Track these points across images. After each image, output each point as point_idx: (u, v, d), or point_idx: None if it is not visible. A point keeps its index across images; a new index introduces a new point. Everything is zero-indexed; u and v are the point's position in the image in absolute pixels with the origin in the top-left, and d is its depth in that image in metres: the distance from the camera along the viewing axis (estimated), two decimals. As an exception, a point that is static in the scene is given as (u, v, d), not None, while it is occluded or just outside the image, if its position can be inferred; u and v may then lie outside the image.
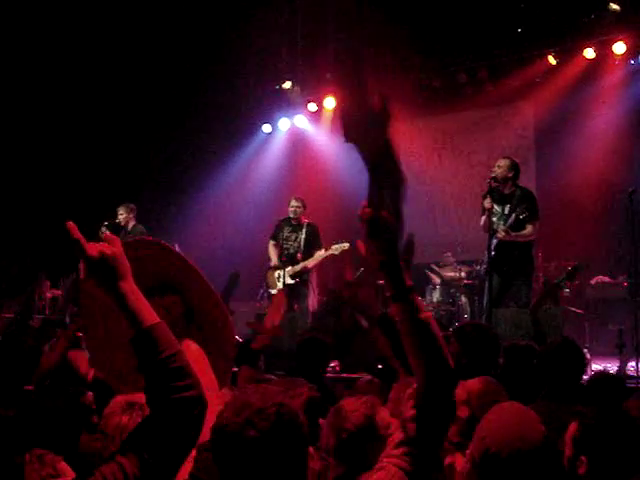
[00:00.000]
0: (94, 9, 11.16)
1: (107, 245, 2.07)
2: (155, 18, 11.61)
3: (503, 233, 8.21)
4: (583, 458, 2.74)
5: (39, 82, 11.33)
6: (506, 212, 8.48)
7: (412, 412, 2.20)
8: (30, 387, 4.41)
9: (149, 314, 2.04)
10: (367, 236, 2.15)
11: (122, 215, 10.21)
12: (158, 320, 2.05)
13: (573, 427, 2.86)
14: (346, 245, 9.64)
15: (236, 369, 5.64)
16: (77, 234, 2.02)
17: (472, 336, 4.47)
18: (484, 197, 8.31)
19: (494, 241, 8.34)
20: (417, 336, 2.18)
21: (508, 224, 8.28)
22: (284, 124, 13.78)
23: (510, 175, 8.53)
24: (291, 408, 2.06)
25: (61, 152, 11.71)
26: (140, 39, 11.67)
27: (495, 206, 8.49)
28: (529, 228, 8.32)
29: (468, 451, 2.63)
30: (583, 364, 4.08)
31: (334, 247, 9.74)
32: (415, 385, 2.22)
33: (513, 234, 8.22)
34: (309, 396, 3.50)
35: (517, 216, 8.21)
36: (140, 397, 2.46)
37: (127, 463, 1.92)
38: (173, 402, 1.97)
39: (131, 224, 10.27)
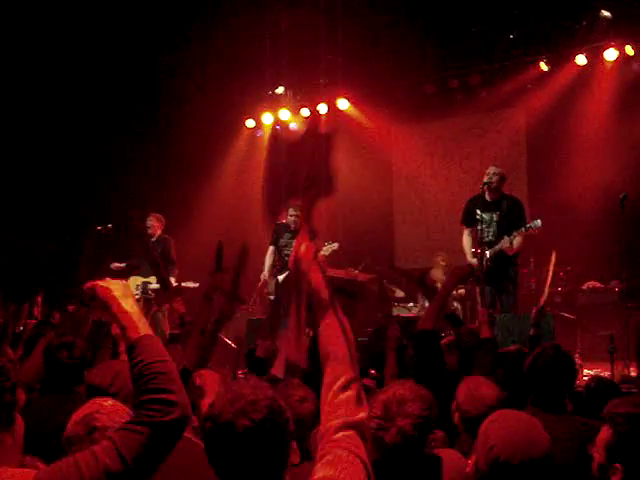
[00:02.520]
0: (83, 13, 11.14)
1: (98, 284, 2.42)
2: (143, 23, 11.61)
3: (512, 249, 8.44)
4: (618, 465, 2.65)
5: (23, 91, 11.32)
6: (495, 219, 8.66)
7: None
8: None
9: (135, 329, 2.29)
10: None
11: (151, 223, 10.57)
12: (146, 334, 2.28)
13: (605, 432, 2.76)
14: (335, 245, 9.75)
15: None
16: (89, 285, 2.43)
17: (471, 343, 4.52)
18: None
19: (489, 252, 8.53)
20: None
21: (510, 240, 8.47)
22: (267, 119, 13.74)
23: (501, 184, 8.76)
24: (281, 403, 2.15)
25: (47, 161, 11.64)
26: (125, 45, 11.67)
27: (480, 212, 8.68)
28: (519, 238, 8.54)
29: (471, 461, 2.61)
30: (574, 373, 4.08)
31: (324, 248, 9.80)
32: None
33: (515, 248, 8.49)
34: (302, 396, 3.58)
35: (523, 231, 8.43)
36: None
37: (102, 453, 2.02)
38: (153, 424, 2.08)
39: (158, 234, 10.58)
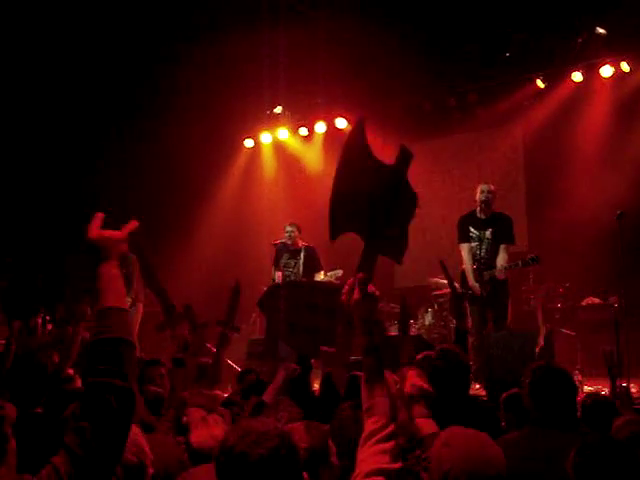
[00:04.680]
0: (84, 29, 11.18)
1: (110, 232, 2.42)
2: (142, 42, 11.64)
3: (503, 275, 8.49)
4: None
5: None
6: (488, 236, 8.76)
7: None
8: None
9: (112, 298, 2.26)
10: (359, 298, 2.54)
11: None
12: (120, 306, 2.27)
13: (571, 455, 2.82)
14: (339, 272, 9.72)
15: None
16: (98, 219, 2.43)
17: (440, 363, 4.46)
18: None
19: (485, 274, 8.63)
20: (376, 381, 2.48)
21: (511, 266, 8.60)
22: (266, 138, 13.81)
23: (493, 202, 8.89)
24: (289, 434, 2.22)
25: (42, 178, 11.65)
26: (124, 63, 11.71)
27: (474, 230, 8.78)
28: (505, 255, 8.65)
29: None
30: (573, 389, 4.06)
31: (329, 274, 9.83)
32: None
33: (507, 268, 8.56)
34: (289, 419, 3.66)
35: (524, 263, 8.50)
36: None
37: (60, 463, 2.02)
38: (99, 386, 2.08)
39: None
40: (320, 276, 9.98)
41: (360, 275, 2.59)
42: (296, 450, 2.18)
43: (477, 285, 8.75)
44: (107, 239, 2.40)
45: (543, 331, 8.93)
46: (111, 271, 2.34)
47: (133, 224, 2.50)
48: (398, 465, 2.28)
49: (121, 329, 2.20)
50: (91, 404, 2.08)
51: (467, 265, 9.02)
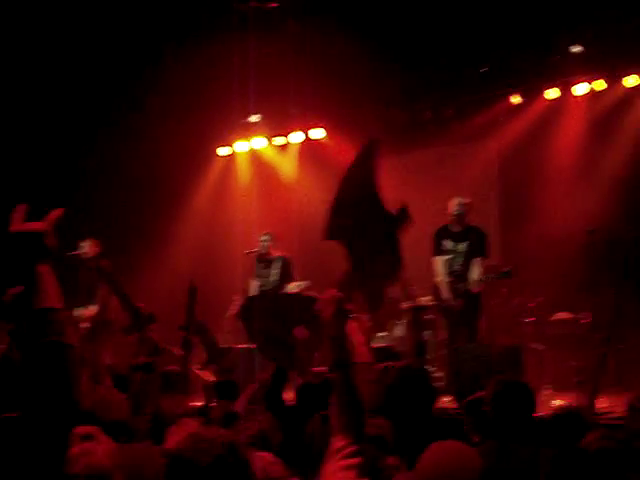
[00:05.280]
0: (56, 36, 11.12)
1: (32, 223, 2.20)
2: (114, 51, 11.60)
3: (478, 288, 8.60)
4: None
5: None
6: (462, 250, 8.83)
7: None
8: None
9: (45, 298, 2.13)
10: (331, 315, 2.54)
11: (85, 249, 10.17)
12: (54, 306, 2.13)
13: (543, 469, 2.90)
14: (304, 284, 9.71)
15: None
16: (20, 211, 2.20)
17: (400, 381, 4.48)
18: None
19: (459, 286, 8.68)
20: (345, 399, 2.49)
21: (485, 279, 8.61)
22: (241, 147, 13.79)
23: (467, 215, 8.96)
24: (239, 443, 2.24)
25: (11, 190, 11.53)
26: (95, 74, 11.66)
27: (448, 243, 8.86)
28: (480, 268, 8.72)
29: None
30: (531, 403, 4.09)
31: (296, 285, 9.82)
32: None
33: (481, 281, 8.66)
34: (260, 429, 3.67)
35: (498, 276, 8.57)
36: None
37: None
38: (44, 344, 2.06)
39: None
40: (292, 286, 9.97)
41: (337, 293, 2.60)
42: (244, 460, 2.20)
43: (451, 298, 8.80)
44: (29, 232, 2.19)
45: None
46: (40, 268, 2.17)
47: (57, 212, 2.28)
48: None
49: (58, 331, 2.12)
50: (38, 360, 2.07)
51: (440, 278, 9.06)
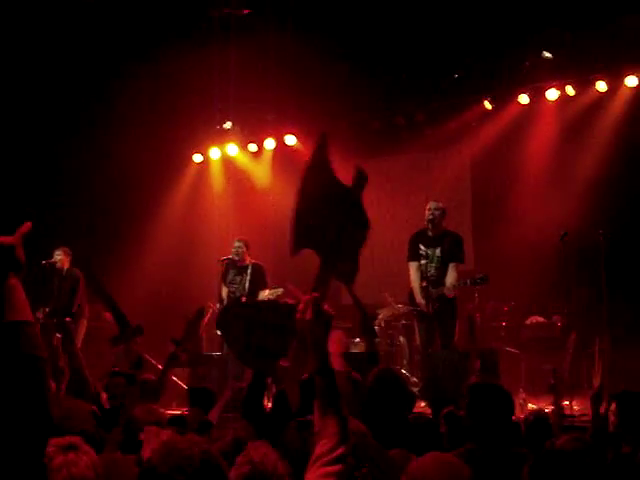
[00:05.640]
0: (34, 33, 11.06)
1: (1, 238, 2.14)
2: (91, 52, 11.55)
3: (452, 293, 8.61)
4: None
5: None
6: (437, 254, 8.86)
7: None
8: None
9: (16, 310, 2.09)
10: (312, 318, 2.52)
11: (59, 257, 10.11)
12: (26, 319, 2.10)
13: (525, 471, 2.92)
14: (280, 291, 9.67)
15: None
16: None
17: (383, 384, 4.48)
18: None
19: (434, 292, 8.70)
20: (328, 405, 2.45)
21: (460, 284, 8.67)
22: (215, 153, 13.74)
23: (442, 219, 8.96)
24: (214, 455, 2.24)
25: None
26: (71, 75, 11.61)
27: (424, 248, 8.87)
28: (455, 273, 8.76)
29: None
30: (509, 407, 4.11)
31: (270, 292, 9.78)
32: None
33: (456, 287, 8.68)
34: (234, 437, 3.64)
35: (472, 282, 8.62)
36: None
37: None
38: (16, 358, 2.02)
39: (66, 267, 10.17)
40: (265, 294, 9.95)
41: (313, 295, 2.58)
42: (220, 473, 2.21)
43: (424, 302, 8.82)
44: (9, 249, 2.15)
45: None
46: (9, 281, 2.13)
47: (26, 227, 2.24)
48: None
49: (30, 344, 2.08)
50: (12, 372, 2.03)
51: (415, 283, 9.08)
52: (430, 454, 2.76)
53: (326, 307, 2.58)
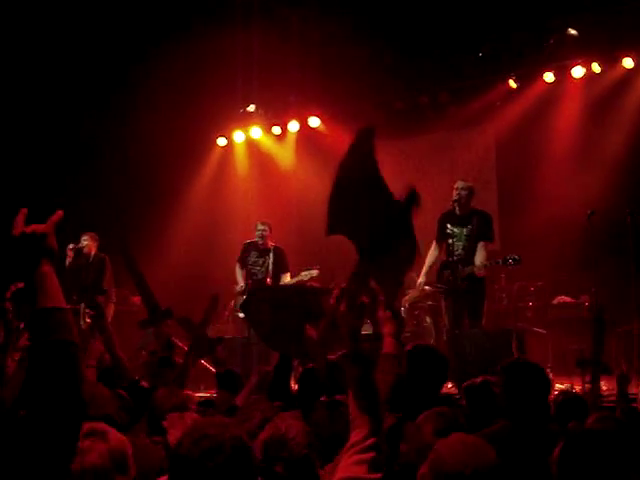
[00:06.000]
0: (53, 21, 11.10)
1: (35, 226, 2.23)
2: (114, 40, 11.59)
3: (482, 272, 8.53)
4: None
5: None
6: (465, 233, 8.77)
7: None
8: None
9: (49, 297, 2.15)
10: (345, 310, 2.52)
11: (86, 242, 10.14)
12: (59, 305, 2.15)
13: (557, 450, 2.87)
14: (315, 272, 9.68)
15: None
16: (21, 215, 2.27)
17: (420, 358, 4.48)
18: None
19: (465, 269, 8.64)
20: (362, 393, 2.46)
21: (490, 263, 8.72)
22: (239, 136, 13.76)
23: (470, 199, 8.86)
24: (245, 441, 2.23)
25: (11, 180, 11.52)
26: (94, 63, 11.65)
27: (451, 227, 8.80)
28: (484, 252, 8.67)
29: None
30: (547, 385, 4.09)
31: (303, 274, 9.78)
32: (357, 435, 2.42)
33: (487, 266, 8.61)
34: (262, 418, 3.67)
35: (505, 261, 8.58)
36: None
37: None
38: (49, 344, 2.07)
39: (93, 253, 10.22)
40: (287, 278, 9.98)
41: (348, 287, 2.57)
42: (249, 460, 2.20)
43: (424, 281, 8.91)
44: (33, 234, 2.23)
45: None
46: (43, 269, 2.19)
47: (58, 215, 2.32)
48: (377, 476, 2.29)
49: (62, 330, 2.13)
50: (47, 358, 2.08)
51: (427, 261, 9.09)
52: (455, 435, 2.75)
53: (362, 298, 2.58)
